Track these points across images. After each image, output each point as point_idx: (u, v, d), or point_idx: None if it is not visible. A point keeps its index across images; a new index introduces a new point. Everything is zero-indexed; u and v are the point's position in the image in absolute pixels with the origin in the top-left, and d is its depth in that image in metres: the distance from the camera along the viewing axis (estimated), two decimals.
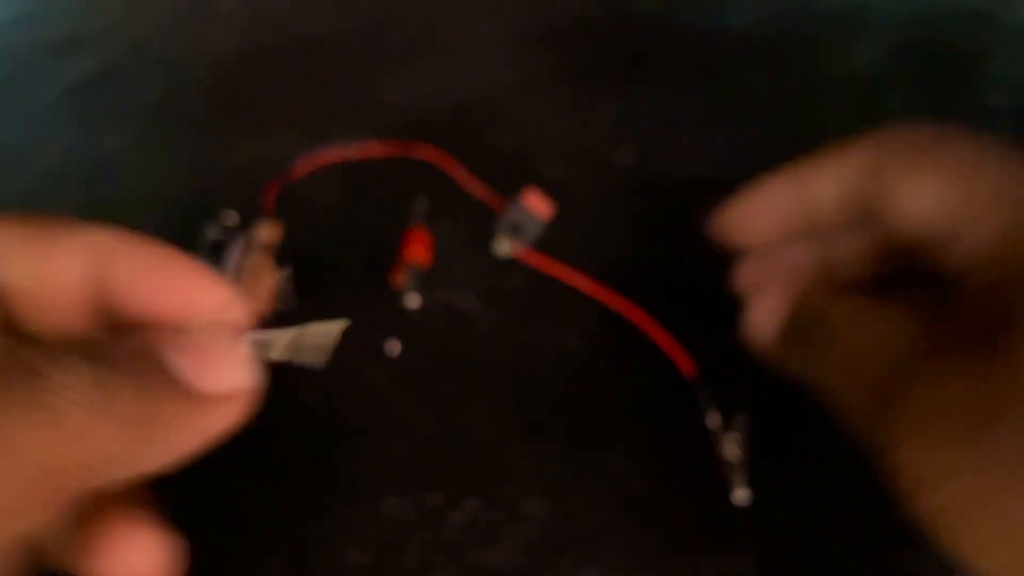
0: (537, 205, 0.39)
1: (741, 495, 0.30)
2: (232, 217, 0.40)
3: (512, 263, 0.39)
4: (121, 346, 0.17)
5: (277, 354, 0.20)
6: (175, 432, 0.17)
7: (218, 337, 0.18)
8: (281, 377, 0.21)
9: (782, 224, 0.26)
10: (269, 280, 0.38)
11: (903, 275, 0.26)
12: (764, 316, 0.25)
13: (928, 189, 0.22)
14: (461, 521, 0.30)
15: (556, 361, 0.35)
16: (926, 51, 0.50)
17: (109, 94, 0.51)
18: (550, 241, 0.40)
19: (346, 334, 0.20)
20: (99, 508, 0.19)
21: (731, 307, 0.28)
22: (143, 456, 0.16)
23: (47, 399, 0.14)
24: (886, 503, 0.29)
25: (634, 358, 0.35)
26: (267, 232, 0.40)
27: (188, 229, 0.44)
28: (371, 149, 0.46)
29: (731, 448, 0.30)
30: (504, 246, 0.39)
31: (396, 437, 0.33)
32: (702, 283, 0.40)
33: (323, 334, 0.20)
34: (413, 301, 0.38)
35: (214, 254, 0.39)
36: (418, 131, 0.47)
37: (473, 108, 0.48)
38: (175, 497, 0.21)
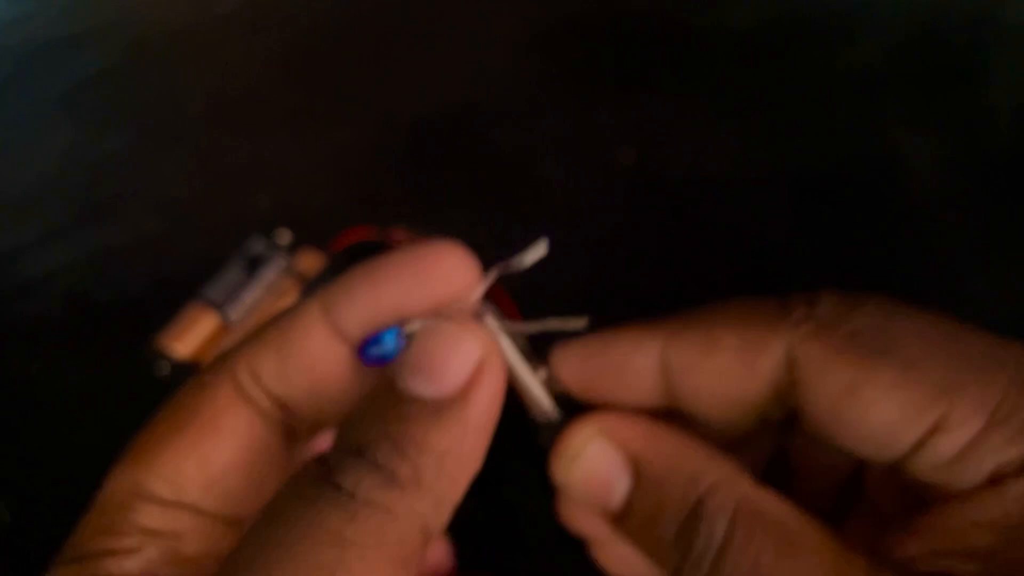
0: None
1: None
2: (285, 236, 0.40)
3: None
4: (372, 412, 0.17)
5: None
6: (451, 457, 0.17)
7: (430, 337, 0.18)
8: None
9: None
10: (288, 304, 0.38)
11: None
12: (600, 473, 0.19)
13: (879, 402, 0.18)
14: (461, 520, 0.30)
15: None
16: (926, 51, 0.50)
17: (109, 94, 0.52)
18: (552, 243, 0.40)
19: None
20: None
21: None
22: (446, 489, 0.17)
23: (351, 505, 0.16)
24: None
25: None
26: (308, 261, 0.40)
27: (189, 229, 0.44)
28: None
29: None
30: None
31: None
32: (703, 282, 0.40)
33: (561, 327, 0.21)
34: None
35: (250, 266, 0.40)
36: (417, 132, 0.47)
37: (474, 108, 0.48)
38: None
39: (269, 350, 0.19)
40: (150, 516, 0.18)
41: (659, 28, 0.53)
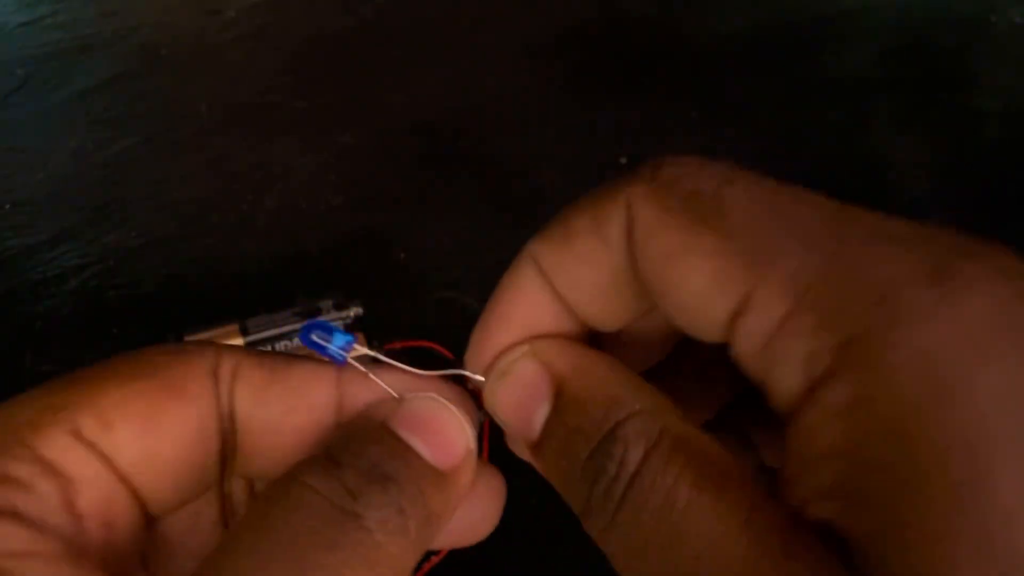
0: None
1: None
2: (354, 308, 0.39)
3: None
4: (377, 454, 0.17)
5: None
6: (445, 518, 0.18)
7: (438, 408, 0.18)
8: None
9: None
10: None
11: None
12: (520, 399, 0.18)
13: (700, 276, 0.15)
14: None
15: None
16: (916, 55, 0.51)
17: (120, 98, 0.52)
18: None
19: None
20: None
21: None
22: (424, 546, 0.17)
23: (369, 540, 0.15)
24: None
25: None
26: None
27: (198, 230, 0.45)
28: None
29: None
30: None
31: None
32: None
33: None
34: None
35: (302, 319, 0.39)
36: (419, 138, 0.48)
37: (473, 115, 0.49)
38: None
39: (253, 361, 0.19)
40: (55, 447, 0.16)
41: (654, 37, 0.54)
